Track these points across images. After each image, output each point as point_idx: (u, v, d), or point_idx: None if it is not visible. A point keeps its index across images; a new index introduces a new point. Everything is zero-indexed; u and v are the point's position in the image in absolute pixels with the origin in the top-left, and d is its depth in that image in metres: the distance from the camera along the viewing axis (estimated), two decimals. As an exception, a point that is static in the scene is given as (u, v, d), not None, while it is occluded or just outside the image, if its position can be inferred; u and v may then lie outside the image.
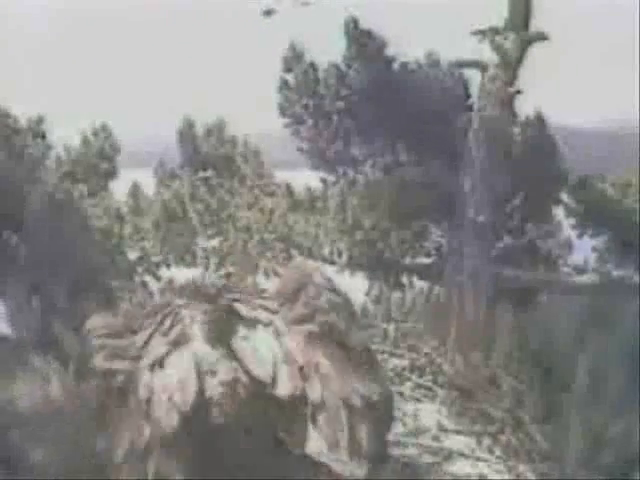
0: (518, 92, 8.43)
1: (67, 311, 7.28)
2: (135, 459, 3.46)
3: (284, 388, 3.63)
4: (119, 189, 9.43)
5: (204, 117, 10.15)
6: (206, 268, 9.02)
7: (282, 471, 3.53)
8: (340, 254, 8.93)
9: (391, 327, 8.55)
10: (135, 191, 9.41)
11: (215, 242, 9.20)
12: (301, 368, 3.66)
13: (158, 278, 9.04)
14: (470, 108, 8.75)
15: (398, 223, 8.83)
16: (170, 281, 9.02)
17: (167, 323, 3.72)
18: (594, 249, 8.83)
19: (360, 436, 3.61)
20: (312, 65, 9.17)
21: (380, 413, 3.72)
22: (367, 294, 9.14)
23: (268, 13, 8.84)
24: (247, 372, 3.64)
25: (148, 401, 3.55)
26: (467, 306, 8.25)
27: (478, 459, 7.22)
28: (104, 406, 3.48)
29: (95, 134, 9.43)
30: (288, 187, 9.48)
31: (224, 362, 3.61)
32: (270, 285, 8.85)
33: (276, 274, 8.99)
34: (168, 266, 9.14)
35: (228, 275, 8.87)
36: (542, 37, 8.37)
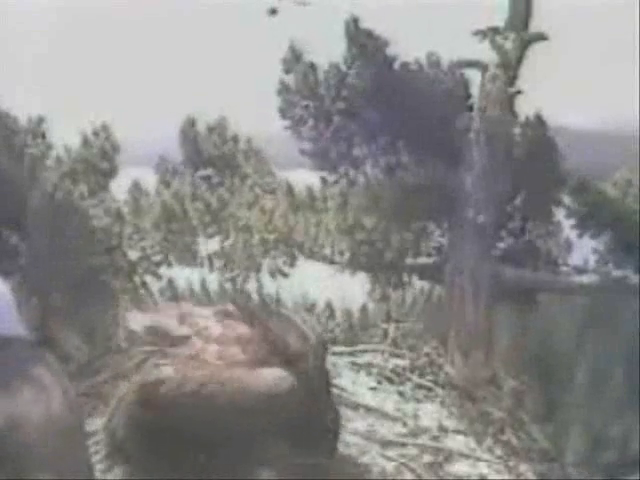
0: (518, 92, 8.43)
1: (67, 311, 7.29)
2: None
3: None
4: (119, 189, 9.41)
5: (205, 116, 10.11)
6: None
7: None
8: (341, 254, 8.92)
9: (391, 327, 8.56)
10: (135, 191, 9.39)
11: (215, 242, 9.20)
12: None
13: (159, 278, 9.04)
14: (471, 108, 8.75)
15: (399, 223, 8.83)
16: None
17: None
18: (594, 249, 8.83)
19: None
20: (312, 66, 9.16)
21: None
22: (368, 294, 9.14)
23: (273, 12, 8.82)
24: None
25: None
26: (467, 306, 8.26)
27: (478, 459, 7.23)
28: None
29: (95, 134, 9.40)
30: (289, 186, 9.47)
31: None
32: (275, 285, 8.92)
33: (282, 273, 8.99)
34: (169, 265, 9.14)
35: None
36: (542, 37, 8.38)
